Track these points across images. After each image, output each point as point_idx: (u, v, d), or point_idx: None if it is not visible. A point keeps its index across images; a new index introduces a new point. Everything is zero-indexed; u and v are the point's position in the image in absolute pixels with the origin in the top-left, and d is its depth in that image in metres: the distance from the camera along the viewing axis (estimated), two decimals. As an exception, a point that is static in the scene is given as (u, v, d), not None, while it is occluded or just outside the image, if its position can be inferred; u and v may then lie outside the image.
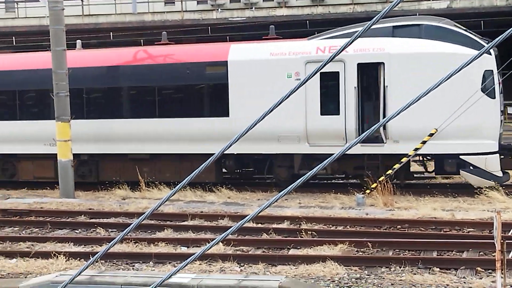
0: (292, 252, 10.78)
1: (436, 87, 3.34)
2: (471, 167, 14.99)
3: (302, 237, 11.51)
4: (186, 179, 3.77)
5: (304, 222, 12.53)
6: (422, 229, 12.03)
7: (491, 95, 14.81)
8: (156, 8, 35.00)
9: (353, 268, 9.68)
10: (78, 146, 16.95)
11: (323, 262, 9.76)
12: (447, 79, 3.26)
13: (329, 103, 15.64)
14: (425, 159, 16.72)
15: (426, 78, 14.33)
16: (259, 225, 12.48)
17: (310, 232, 11.64)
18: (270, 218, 13.01)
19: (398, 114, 3.34)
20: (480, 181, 15.09)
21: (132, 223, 3.83)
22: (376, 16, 3.26)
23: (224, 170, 17.82)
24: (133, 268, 10.07)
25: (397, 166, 15.25)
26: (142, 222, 4.11)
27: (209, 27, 33.25)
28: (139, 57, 17.59)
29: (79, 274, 4.10)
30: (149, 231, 12.52)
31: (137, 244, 11.29)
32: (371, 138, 14.91)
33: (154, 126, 16.86)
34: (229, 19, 33.37)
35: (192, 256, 3.78)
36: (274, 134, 15.80)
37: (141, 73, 17.13)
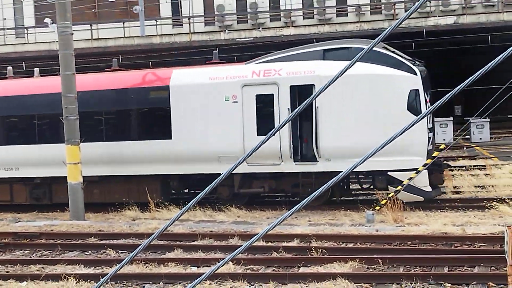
0: (303, 270, 10.70)
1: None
2: (399, 183, 15.30)
3: (312, 254, 11.44)
4: (194, 199, 3.75)
5: (314, 240, 12.45)
6: (433, 244, 11.94)
7: (416, 113, 15.10)
8: (164, 30, 35.25)
9: (364, 285, 9.60)
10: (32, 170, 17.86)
11: (334, 279, 9.68)
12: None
13: (265, 124, 16.10)
14: (359, 176, 17.05)
15: (354, 98, 15.23)
16: (269, 244, 12.41)
17: (320, 250, 11.57)
18: (280, 236, 12.95)
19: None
20: (409, 196, 15.44)
21: (142, 244, 3.81)
22: (383, 32, 3.26)
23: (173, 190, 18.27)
24: (143, 289, 10.03)
25: (406, 182, 15.16)
26: (152, 243, 4.09)
27: (217, 48, 33.42)
28: (90, 83, 18.06)
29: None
30: (159, 252, 12.48)
31: (147, 264, 11.25)
32: (305, 157, 15.83)
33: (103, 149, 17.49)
34: (237, 39, 33.54)
35: (202, 276, 3.76)
36: (215, 154, 16.39)
37: (90, 99, 17.61)
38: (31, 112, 18.38)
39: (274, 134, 3.73)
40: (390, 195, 15.13)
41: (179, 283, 10.08)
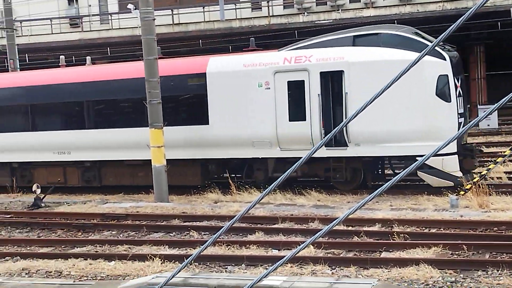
0: (384, 255, 10.62)
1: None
2: (428, 168, 15.32)
3: (394, 240, 11.32)
4: (275, 182, 3.80)
5: (396, 225, 12.31)
6: (521, 231, 11.57)
7: (446, 98, 15.39)
8: (243, 14, 35.40)
9: (448, 272, 9.43)
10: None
11: (417, 265, 9.56)
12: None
13: (296, 110, 16.48)
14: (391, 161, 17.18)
15: (383, 84, 14.00)
16: (350, 228, 12.37)
17: (402, 235, 11.43)
18: (361, 220, 12.88)
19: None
20: (437, 181, 15.56)
21: (224, 226, 3.90)
22: (467, 12, 3.18)
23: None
24: (225, 270, 10.22)
25: (492, 166, 14.76)
26: (234, 225, 4.17)
27: (296, 31, 33.30)
28: (130, 70, 19.08)
29: (174, 276, 4.21)
30: (241, 234, 12.66)
31: (229, 246, 11.45)
32: (336, 142, 16.02)
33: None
34: (316, 22, 33.30)
35: (283, 259, 3.81)
36: (249, 140, 16.95)
37: (131, 86, 18.59)
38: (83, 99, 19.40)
39: (347, 123, 3.73)
40: (475, 180, 14.73)
41: (261, 266, 10.22)
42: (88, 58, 22.06)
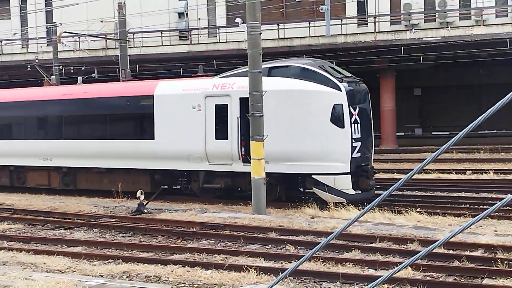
0: (486, 281, 10.20)
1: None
2: (322, 185, 17.43)
3: (497, 266, 10.86)
4: (373, 202, 3.75)
5: (500, 251, 11.81)
6: None
7: (340, 125, 17.45)
8: (349, 30, 35.26)
9: (555, 304, 8.93)
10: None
11: (521, 295, 9.11)
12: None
13: (221, 129, 18.82)
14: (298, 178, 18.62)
15: (288, 109, 17.72)
16: (451, 252, 11.98)
17: (507, 262, 10.95)
18: (462, 244, 12.44)
19: None
20: (330, 197, 17.40)
21: (320, 242, 3.89)
22: None
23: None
24: (320, 287, 10.15)
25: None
26: (330, 242, 4.15)
27: (402, 48, 32.77)
28: (95, 90, 22.26)
29: (269, 289, 4.24)
30: (337, 251, 12.55)
31: (324, 263, 11.37)
32: (246, 159, 18.21)
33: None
34: (423, 39, 32.65)
35: (380, 278, 3.75)
36: (185, 154, 19.40)
37: (95, 104, 21.76)
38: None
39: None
40: None
41: (356, 284, 10.08)
42: (80, 78, 25.29)
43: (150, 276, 10.84)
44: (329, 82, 17.68)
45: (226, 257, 12.16)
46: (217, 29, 39.61)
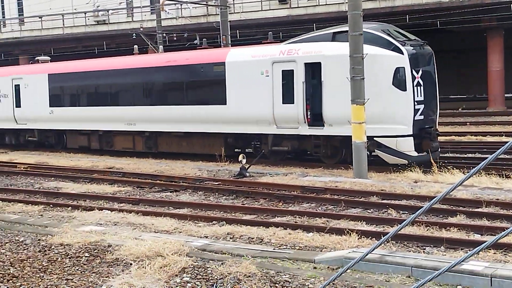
0: None
1: None
2: (384, 147, 17.97)
3: None
4: (480, 165, 3.64)
5: None
6: None
7: (402, 88, 17.80)
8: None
9: None
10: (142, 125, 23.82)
11: None
12: None
13: (288, 94, 19.45)
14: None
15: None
16: None
17: None
18: None
19: None
20: (392, 158, 17.98)
21: (423, 206, 3.83)
22: None
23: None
24: (423, 251, 10.01)
25: None
26: (434, 206, 4.08)
27: (511, 5, 31.18)
28: (171, 59, 23.38)
29: (370, 252, 4.24)
30: (441, 216, 12.30)
31: (428, 227, 11.18)
32: (315, 122, 19.07)
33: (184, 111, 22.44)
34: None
35: (485, 243, 3.65)
36: (254, 118, 20.31)
37: (157, 73, 23.21)
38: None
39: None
40: None
41: (461, 249, 9.86)
42: (161, 47, 27.54)
43: (252, 238, 11.07)
44: (391, 46, 18.07)
45: (327, 221, 12.20)
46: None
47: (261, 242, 10.82)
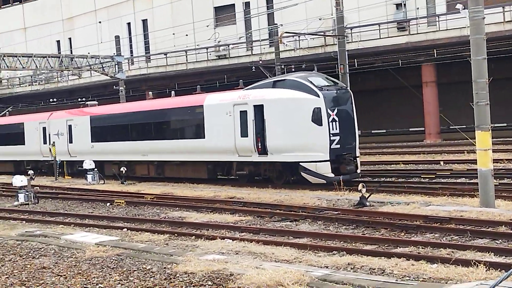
0: None
1: None
2: (308, 171, 22.73)
3: None
4: None
5: None
6: None
7: (319, 123, 22.54)
8: None
9: None
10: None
11: None
12: None
13: (244, 130, 24.49)
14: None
15: (282, 114, 23.25)
16: None
17: None
18: None
19: None
20: (313, 179, 22.70)
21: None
22: None
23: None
24: (558, 285, 9.37)
25: None
26: None
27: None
28: (157, 104, 30.42)
29: (498, 284, 4.04)
30: None
31: None
32: (262, 151, 23.96)
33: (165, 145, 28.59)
34: None
35: None
36: (224, 149, 25.45)
37: (160, 114, 29.21)
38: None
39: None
40: None
41: None
42: (150, 93, 34.94)
43: (374, 269, 10.84)
44: (311, 91, 22.80)
45: (452, 251, 11.74)
46: (437, 17, 38.35)
47: (383, 273, 10.57)
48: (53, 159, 35.28)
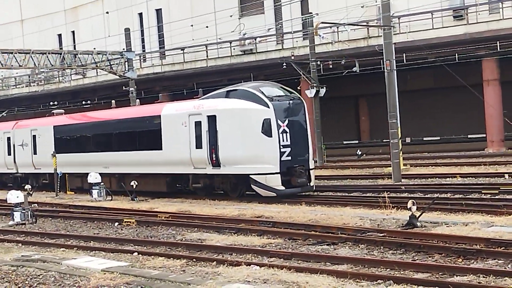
0: None
1: None
2: (258, 183, 25.44)
3: None
4: None
5: None
6: None
7: (268, 134, 25.26)
8: None
9: None
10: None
11: None
12: None
13: (199, 141, 27.26)
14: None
15: (231, 124, 26.10)
16: None
17: None
18: None
19: None
20: (263, 192, 25.47)
21: None
22: None
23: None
24: None
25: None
26: None
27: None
28: (117, 113, 33.82)
29: None
30: None
31: None
32: (216, 163, 26.69)
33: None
34: None
35: None
36: (180, 161, 28.15)
37: (119, 124, 32.30)
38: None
39: None
40: None
41: None
42: (113, 101, 38.00)
43: (426, 301, 10.78)
44: (260, 101, 25.50)
45: (521, 280, 11.62)
46: (500, 3, 38.05)
47: (436, 306, 10.51)
48: (43, 171, 37.33)
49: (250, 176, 25.54)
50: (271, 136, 25.20)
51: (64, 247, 18.76)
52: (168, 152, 28.74)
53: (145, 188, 30.14)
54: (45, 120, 39.27)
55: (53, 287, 13.29)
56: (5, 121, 44.05)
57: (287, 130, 25.52)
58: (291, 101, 26.36)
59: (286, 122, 25.58)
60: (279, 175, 25.11)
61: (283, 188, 25.16)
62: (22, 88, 64.46)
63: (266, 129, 25.22)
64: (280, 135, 25.29)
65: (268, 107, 25.34)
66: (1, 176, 41.83)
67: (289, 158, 25.43)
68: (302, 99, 27.32)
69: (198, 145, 27.10)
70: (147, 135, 30.17)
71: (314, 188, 26.66)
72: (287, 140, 25.44)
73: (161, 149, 29.13)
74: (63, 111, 40.78)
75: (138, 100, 36.28)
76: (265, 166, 25.17)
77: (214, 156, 26.54)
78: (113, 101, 35.93)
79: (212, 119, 26.64)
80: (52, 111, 40.96)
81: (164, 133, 29.04)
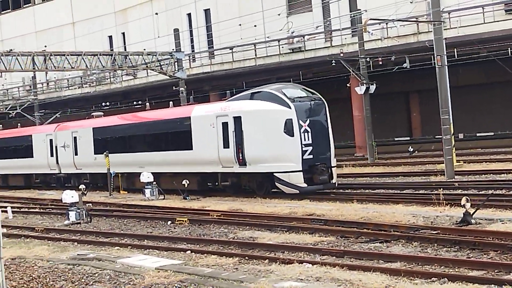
0: None
1: None
2: (281, 181, 26.83)
3: None
4: None
5: None
6: None
7: (290, 134, 26.73)
8: None
9: None
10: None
11: None
12: None
13: (226, 141, 28.53)
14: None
15: (256, 124, 27.65)
16: None
17: None
18: None
19: None
20: (287, 189, 26.82)
21: None
22: None
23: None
24: None
25: None
26: None
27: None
28: (151, 115, 35.80)
29: None
30: None
31: None
32: (242, 162, 28.03)
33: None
34: None
35: None
36: (209, 160, 29.58)
37: (153, 126, 34.34)
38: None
39: None
40: None
41: None
42: (147, 104, 40.47)
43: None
44: (283, 102, 26.92)
45: None
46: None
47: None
48: (84, 171, 39.11)
49: (274, 174, 26.84)
50: (293, 136, 26.54)
51: (119, 245, 19.06)
52: (198, 152, 30.20)
53: (178, 186, 30.80)
54: (85, 122, 41.24)
55: (109, 285, 13.51)
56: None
57: (309, 129, 26.82)
58: (312, 102, 27.67)
59: (308, 122, 26.90)
60: (301, 172, 26.33)
61: (305, 185, 26.38)
62: (75, 90, 65.44)
63: (288, 129, 26.59)
64: (302, 134, 26.59)
65: (290, 108, 26.72)
66: (45, 176, 43.97)
67: (311, 156, 26.67)
68: (323, 99, 28.19)
69: (226, 145, 28.47)
70: (179, 136, 31.75)
71: (336, 185, 27.71)
72: (308, 139, 26.74)
73: (191, 149, 30.60)
74: (102, 113, 42.74)
75: (171, 102, 37.07)
76: (288, 164, 26.44)
77: (240, 155, 27.88)
78: (170, 103, 36.85)
79: (237, 120, 28.03)
80: (92, 113, 42.91)
81: (194, 133, 30.56)
